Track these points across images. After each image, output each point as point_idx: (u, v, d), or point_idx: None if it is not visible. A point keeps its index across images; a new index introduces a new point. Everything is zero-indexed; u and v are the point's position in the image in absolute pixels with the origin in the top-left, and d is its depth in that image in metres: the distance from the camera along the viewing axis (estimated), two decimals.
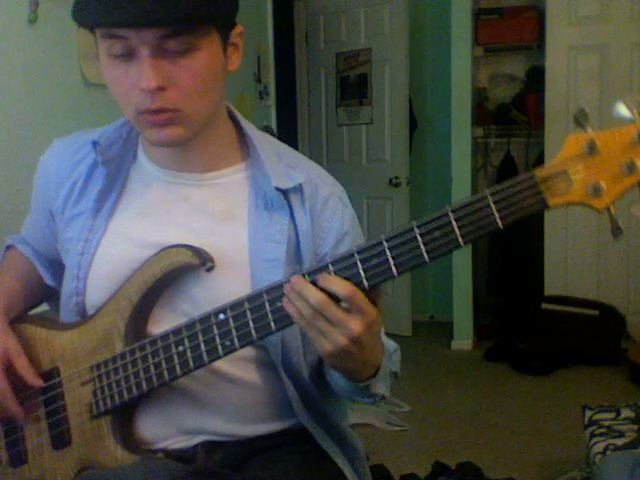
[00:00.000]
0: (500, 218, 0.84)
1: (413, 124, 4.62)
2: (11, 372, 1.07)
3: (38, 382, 1.07)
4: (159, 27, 0.93)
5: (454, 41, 4.17)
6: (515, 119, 4.45)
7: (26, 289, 1.20)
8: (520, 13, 4.33)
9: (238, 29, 1.06)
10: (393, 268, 0.87)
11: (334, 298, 0.88)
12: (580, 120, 0.82)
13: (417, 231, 0.86)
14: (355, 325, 0.88)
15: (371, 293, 0.90)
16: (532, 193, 0.83)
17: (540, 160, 4.21)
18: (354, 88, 4.68)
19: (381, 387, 1.01)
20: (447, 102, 4.24)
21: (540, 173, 0.83)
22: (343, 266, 0.89)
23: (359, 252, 0.89)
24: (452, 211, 0.85)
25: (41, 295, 1.24)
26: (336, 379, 1.04)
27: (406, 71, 4.43)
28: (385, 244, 0.87)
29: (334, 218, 1.12)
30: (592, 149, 0.81)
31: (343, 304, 0.88)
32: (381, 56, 4.49)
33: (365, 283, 0.89)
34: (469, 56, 4.19)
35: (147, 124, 1.01)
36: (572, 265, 4.10)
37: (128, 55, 0.97)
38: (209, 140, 1.09)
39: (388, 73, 4.49)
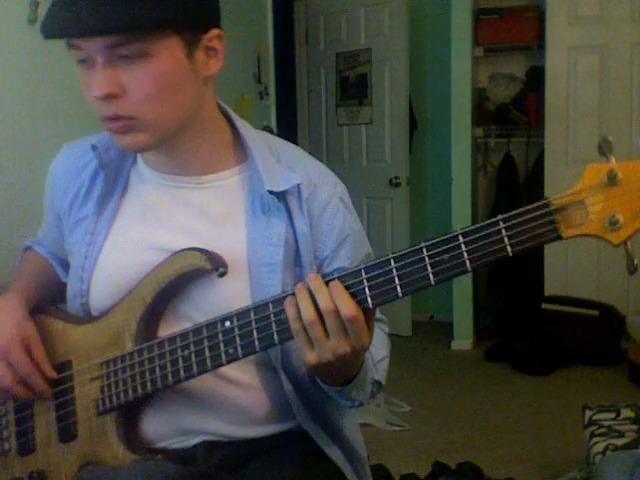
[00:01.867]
0: (510, 245, 0.82)
1: (413, 124, 4.61)
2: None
3: (53, 374, 1.10)
4: (101, 36, 0.93)
5: (454, 41, 4.17)
6: (515, 119, 4.44)
7: (42, 286, 1.22)
8: (520, 13, 4.33)
9: (214, 32, 1.03)
10: (398, 289, 0.87)
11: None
12: (603, 149, 0.78)
13: (425, 252, 0.85)
14: (346, 346, 0.88)
15: (369, 314, 0.89)
16: (545, 222, 0.80)
17: (540, 160, 4.22)
18: (354, 88, 4.68)
19: (357, 394, 1.02)
20: (447, 102, 4.24)
21: (556, 202, 0.80)
22: (350, 283, 0.89)
23: (366, 270, 0.88)
24: (462, 234, 0.84)
25: (60, 293, 1.24)
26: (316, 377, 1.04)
27: (406, 71, 4.43)
28: (392, 263, 0.87)
29: (335, 221, 1.11)
30: (612, 180, 0.77)
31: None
32: (381, 56, 4.49)
33: (369, 302, 0.88)
34: (469, 56, 4.19)
35: (109, 130, 1.02)
36: (572, 265, 4.10)
37: (88, 63, 0.98)
38: (199, 143, 1.09)
39: (388, 73, 4.49)
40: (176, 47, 0.98)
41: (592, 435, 2.20)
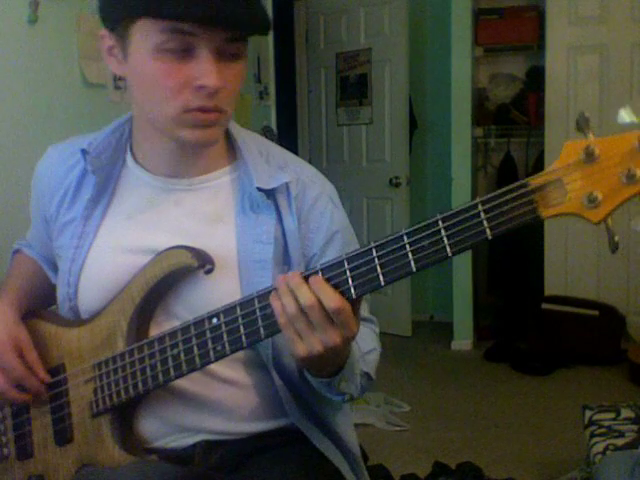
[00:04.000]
0: (489, 228, 0.80)
1: (413, 124, 4.62)
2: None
3: (47, 377, 1.10)
4: (234, 30, 0.96)
5: (454, 41, 4.17)
6: (515, 119, 4.45)
7: (33, 288, 1.22)
8: (520, 13, 4.33)
9: None
10: (380, 277, 0.86)
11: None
12: (581, 125, 0.77)
13: (406, 239, 0.84)
14: (335, 337, 0.88)
15: (356, 303, 0.89)
16: (523, 202, 0.78)
17: (540, 160, 4.22)
18: (354, 88, 4.68)
19: (348, 386, 1.01)
20: (447, 102, 4.24)
21: (534, 181, 0.78)
22: (332, 274, 0.89)
23: (348, 260, 0.88)
24: (442, 219, 0.82)
25: (50, 295, 1.24)
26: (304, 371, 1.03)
27: (406, 71, 4.44)
28: (374, 252, 0.86)
29: (323, 218, 1.11)
30: (590, 157, 0.75)
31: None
32: (381, 56, 4.49)
33: (352, 292, 0.88)
34: (469, 56, 4.19)
35: (192, 122, 1.00)
36: (572, 265, 4.10)
37: (185, 51, 0.96)
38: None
39: (388, 73, 4.49)
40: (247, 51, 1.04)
41: (592, 435, 2.20)
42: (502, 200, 0.79)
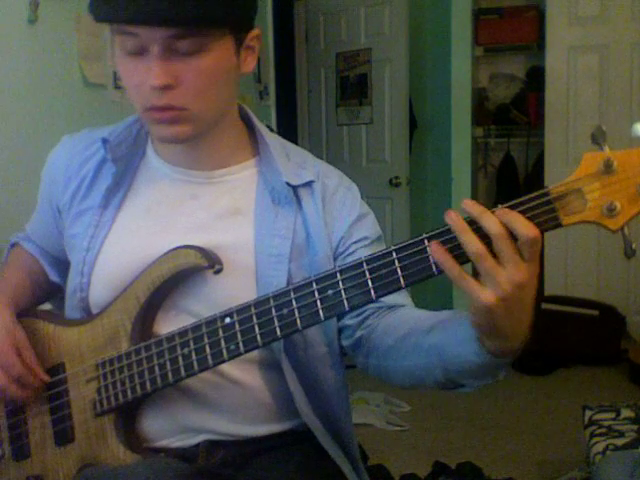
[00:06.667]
0: None
1: (413, 124, 4.61)
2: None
3: (46, 377, 1.08)
4: (169, 27, 0.94)
5: (454, 41, 4.17)
6: (515, 119, 4.45)
7: (33, 284, 1.21)
8: (520, 13, 4.33)
9: (255, 32, 1.07)
10: (401, 280, 0.86)
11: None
12: (597, 138, 0.80)
13: (426, 243, 0.84)
14: (526, 270, 0.78)
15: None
16: (545, 210, 0.80)
17: (540, 160, 4.22)
18: (354, 88, 4.68)
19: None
20: (447, 102, 4.24)
21: (555, 190, 0.80)
22: (353, 274, 0.88)
23: (368, 262, 0.87)
24: (468, 222, 0.82)
25: (46, 292, 1.24)
26: (466, 356, 0.92)
27: (406, 71, 4.43)
28: (394, 255, 0.86)
29: (345, 204, 1.13)
30: (608, 168, 0.79)
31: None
32: (381, 56, 4.49)
33: (372, 294, 0.87)
34: (469, 56, 4.19)
35: (154, 120, 1.02)
36: (572, 265, 4.10)
37: (140, 51, 0.98)
38: (219, 139, 1.10)
39: (388, 73, 4.49)
40: (229, 44, 1.01)
41: (592, 435, 2.19)
42: (524, 207, 0.81)
